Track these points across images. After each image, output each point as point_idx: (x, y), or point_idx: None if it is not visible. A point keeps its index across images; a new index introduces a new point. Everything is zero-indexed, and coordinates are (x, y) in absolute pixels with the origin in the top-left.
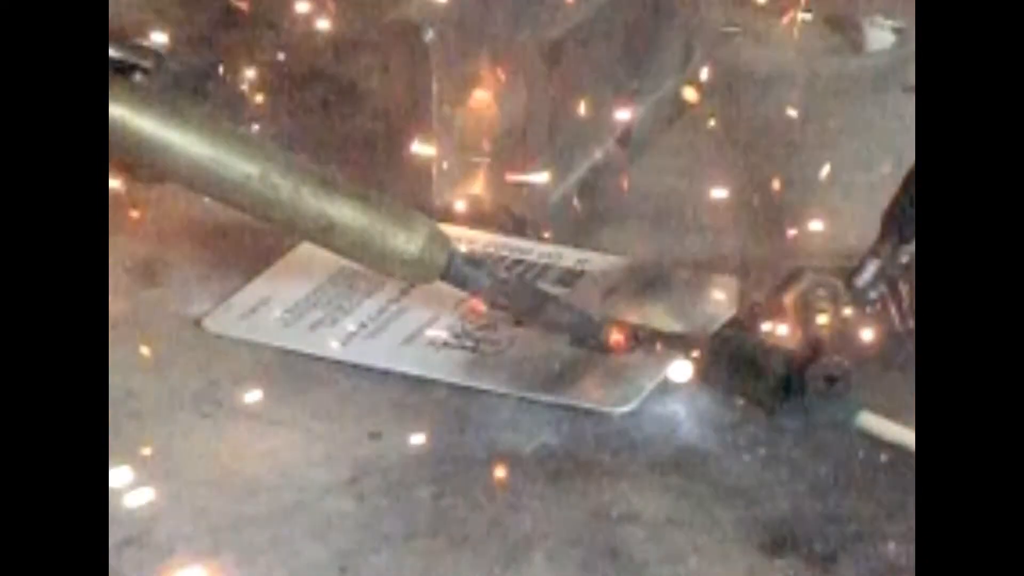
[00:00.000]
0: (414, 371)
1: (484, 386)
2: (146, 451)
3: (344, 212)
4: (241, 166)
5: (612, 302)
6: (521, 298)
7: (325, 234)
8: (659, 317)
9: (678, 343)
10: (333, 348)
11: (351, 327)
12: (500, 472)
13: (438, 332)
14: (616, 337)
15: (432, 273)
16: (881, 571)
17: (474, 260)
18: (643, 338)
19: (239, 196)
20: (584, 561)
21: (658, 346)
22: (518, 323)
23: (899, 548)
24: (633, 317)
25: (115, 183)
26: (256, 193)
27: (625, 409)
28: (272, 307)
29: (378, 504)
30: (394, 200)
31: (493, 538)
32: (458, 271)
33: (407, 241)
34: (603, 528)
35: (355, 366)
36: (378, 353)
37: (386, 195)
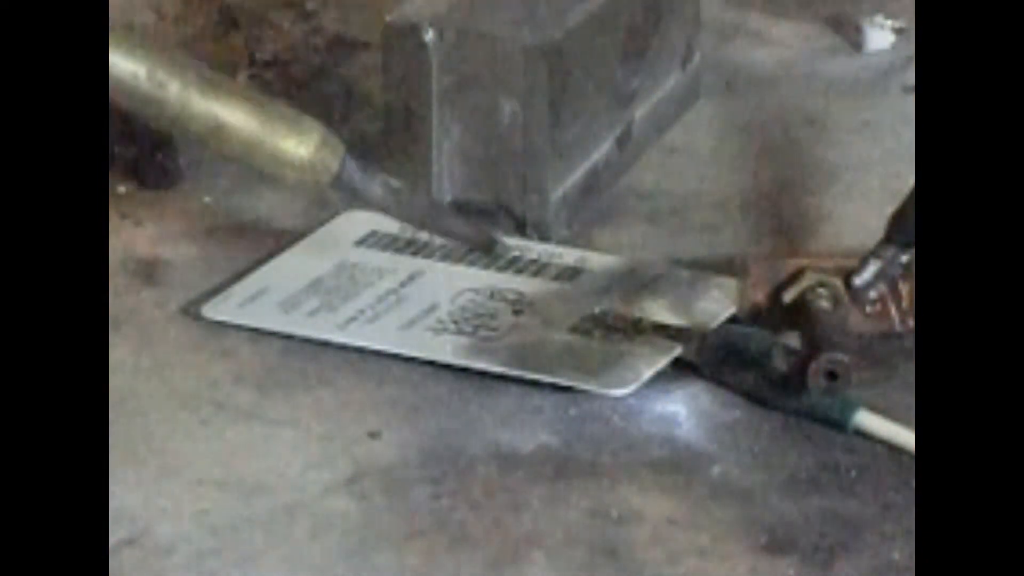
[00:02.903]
0: (412, 354)
1: (482, 367)
2: (146, 451)
3: (234, 113)
4: (126, 64)
5: (611, 298)
6: (415, 207)
7: (215, 135)
8: (658, 314)
9: (678, 335)
10: (331, 331)
11: (350, 313)
12: (500, 472)
13: (437, 319)
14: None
15: (323, 178)
16: (881, 571)
17: (367, 168)
18: (643, 329)
19: (127, 95)
20: (584, 561)
21: (658, 336)
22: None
23: (899, 548)
24: (633, 313)
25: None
26: (144, 92)
27: (622, 392)
28: (271, 295)
29: (378, 504)
30: (286, 105)
31: (493, 538)
32: (349, 178)
33: (298, 144)
34: (603, 528)
35: (356, 366)
36: (377, 336)
37: (278, 100)
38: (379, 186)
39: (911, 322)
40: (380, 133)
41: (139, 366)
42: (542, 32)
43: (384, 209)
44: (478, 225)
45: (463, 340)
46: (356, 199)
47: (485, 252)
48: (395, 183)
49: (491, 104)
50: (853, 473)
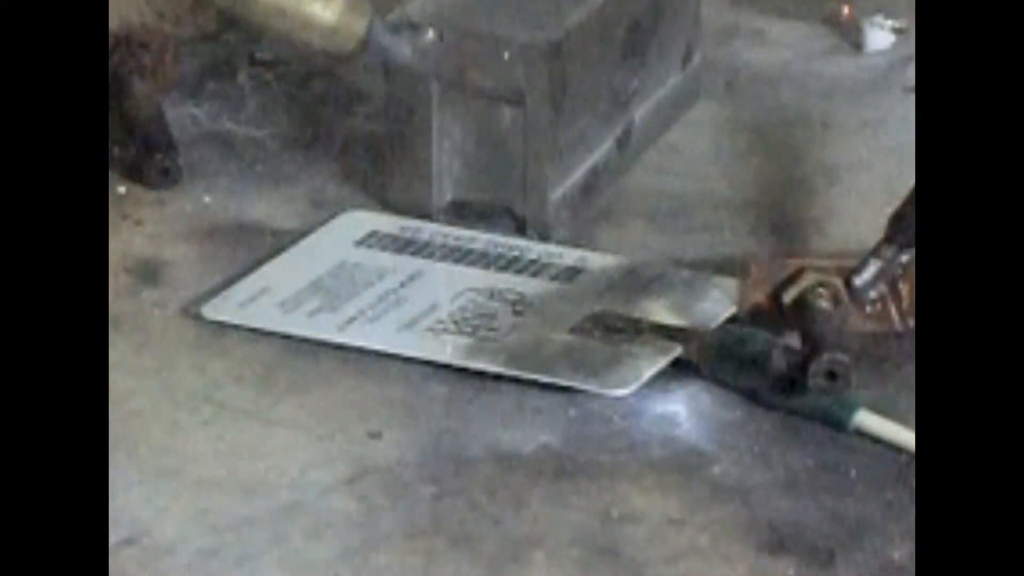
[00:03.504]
0: (412, 354)
1: (482, 367)
2: (146, 451)
3: None
4: None
5: (611, 298)
6: (446, 64)
7: (239, 1)
8: (658, 315)
9: (679, 335)
10: (331, 332)
11: (350, 313)
12: (500, 472)
13: (437, 319)
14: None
15: (350, 42)
16: (881, 571)
17: (395, 28)
18: (643, 329)
19: None
20: (584, 561)
21: (658, 336)
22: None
23: (899, 548)
24: (633, 313)
25: (118, 186)
26: None
27: (623, 392)
28: (271, 296)
29: (378, 504)
30: None
31: (493, 538)
32: (378, 40)
33: (324, 8)
34: (603, 528)
35: (356, 366)
36: (376, 337)
37: None
38: (408, 44)
39: (911, 322)
40: (380, 133)
41: (139, 366)
42: (542, 32)
43: (417, 67)
44: (511, 82)
45: (463, 340)
46: (385, 60)
47: (518, 106)
48: (426, 37)
49: (491, 104)
50: (853, 473)
